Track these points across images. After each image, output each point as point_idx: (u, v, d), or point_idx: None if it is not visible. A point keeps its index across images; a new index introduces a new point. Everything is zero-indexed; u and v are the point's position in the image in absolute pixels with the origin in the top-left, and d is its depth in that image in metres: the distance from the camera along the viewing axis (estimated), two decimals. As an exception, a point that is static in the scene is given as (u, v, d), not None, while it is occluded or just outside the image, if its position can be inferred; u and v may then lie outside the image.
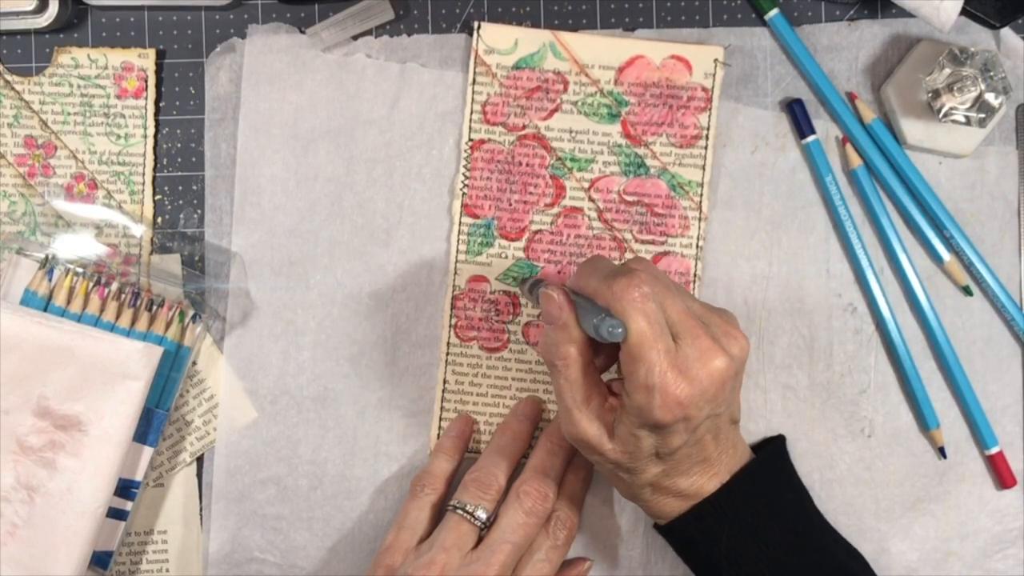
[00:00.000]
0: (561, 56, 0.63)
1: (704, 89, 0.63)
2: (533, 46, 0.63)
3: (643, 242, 0.64)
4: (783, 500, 0.58)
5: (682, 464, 0.54)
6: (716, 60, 0.63)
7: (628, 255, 0.64)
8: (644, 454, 0.54)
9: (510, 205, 0.64)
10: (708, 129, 0.63)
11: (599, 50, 0.63)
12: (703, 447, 0.54)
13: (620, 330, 0.51)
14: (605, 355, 0.58)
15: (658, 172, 0.63)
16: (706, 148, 0.63)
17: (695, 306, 0.55)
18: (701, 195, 0.63)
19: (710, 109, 0.63)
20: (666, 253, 0.63)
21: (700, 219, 0.63)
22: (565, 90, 0.63)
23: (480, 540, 0.58)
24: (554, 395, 0.56)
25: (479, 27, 0.63)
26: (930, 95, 0.60)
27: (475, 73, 0.64)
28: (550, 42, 0.63)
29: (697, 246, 0.63)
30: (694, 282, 0.63)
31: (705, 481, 0.55)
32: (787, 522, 0.57)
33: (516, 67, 0.64)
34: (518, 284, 0.64)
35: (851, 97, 0.63)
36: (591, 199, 0.64)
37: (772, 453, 0.59)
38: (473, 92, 0.64)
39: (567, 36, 0.63)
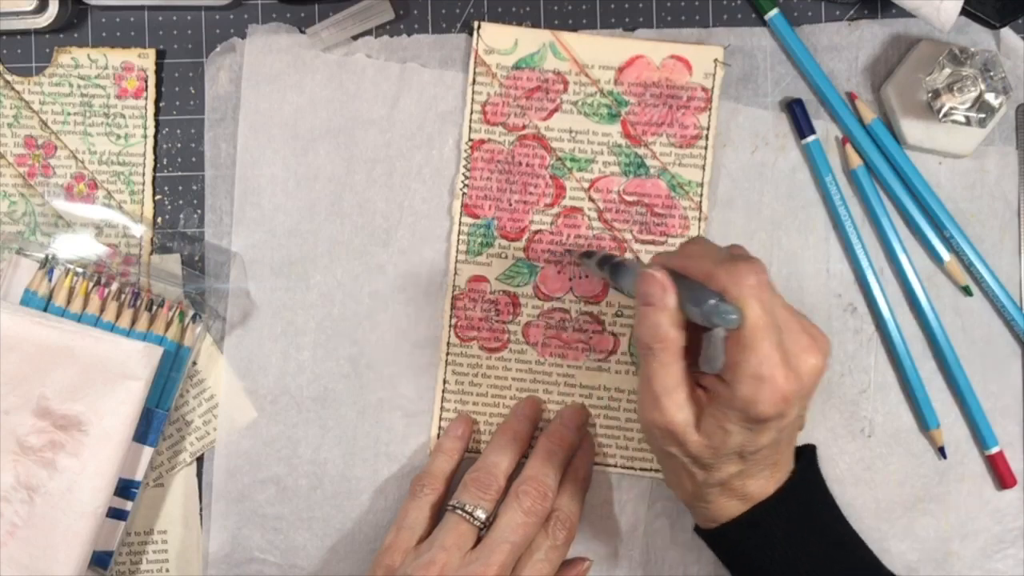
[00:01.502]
0: (561, 56, 0.63)
1: (704, 89, 0.63)
2: (533, 46, 0.63)
3: (643, 242, 0.64)
4: (828, 510, 0.58)
5: (758, 465, 0.54)
6: (716, 60, 0.63)
7: (628, 255, 0.64)
8: (728, 451, 0.52)
9: (510, 205, 0.64)
10: (708, 129, 0.63)
11: (599, 50, 0.63)
12: (779, 449, 0.54)
13: (734, 316, 0.49)
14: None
15: (658, 172, 0.63)
16: (706, 148, 0.63)
17: (786, 302, 0.53)
18: (701, 195, 0.63)
19: (710, 109, 0.63)
20: (666, 253, 0.63)
21: (700, 219, 0.63)
22: (565, 90, 0.63)
23: (479, 540, 0.58)
24: (639, 380, 0.54)
25: (479, 27, 0.63)
26: (930, 95, 0.60)
27: (475, 73, 0.64)
28: (550, 42, 0.63)
29: None
30: (694, 282, 0.63)
31: (768, 484, 0.55)
32: (832, 530, 0.57)
33: (516, 67, 0.64)
34: (579, 257, 0.62)
35: (851, 97, 0.63)
36: (591, 199, 0.64)
37: (811, 462, 0.59)
38: (473, 92, 0.64)
39: (567, 36, 0.63)
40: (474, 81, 0.64)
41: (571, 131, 0.64)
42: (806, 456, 0.59)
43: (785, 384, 0.49)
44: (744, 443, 0.52)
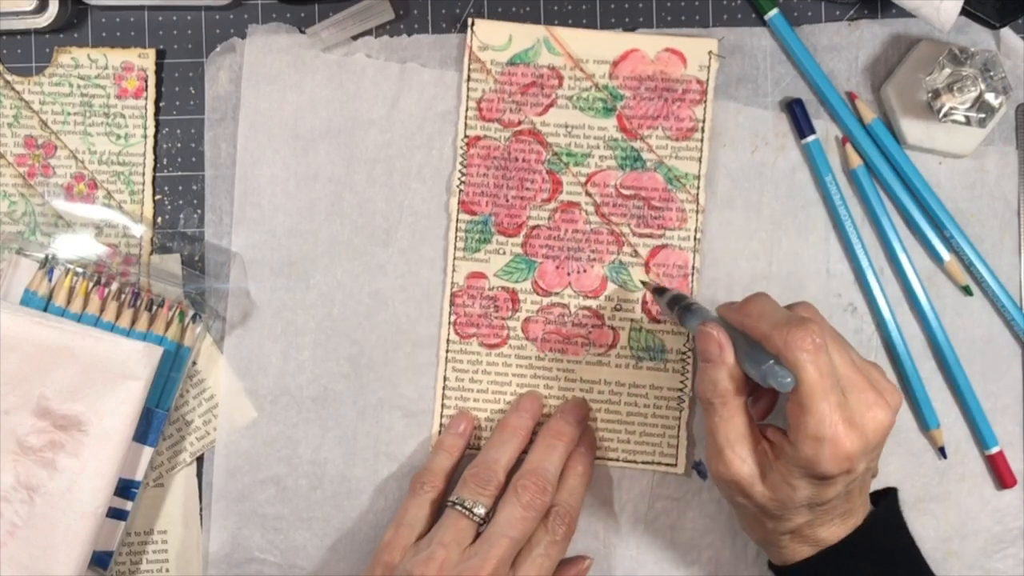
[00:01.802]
0: (555, 51, 0.63)
1: (699, 81, 0.63)
2: (527, 42, 0.63)
3: (641, 235, 0.64)
4: (906, 554, 0.58)
5: (828, 514, 0.54)
6: (710, 52, 0.63)
7: (626, 248, 0.64)
8: (795, 504, 0.53)
9: (507, 201, 0.64)
10: (704, 122, 0.63)
11: (593, 44, 0.63)
12: (851, 499, 0.54)
13: (789, 380, 0.51)
14: (765, 402, 0.58)
15: (654, 165, 0.63)
16: (702, 141, 0.63)
17: (855, 356, 0.54)
18: (698, 188, 0.63)
19: (705, 101, 0.63)
20: (664, 246, 0.63)
21: (697, 212, 0.63)
22: (560, 85, 0.63)
23: (479, 536, 0.58)
24: (705, 432, 0.56)
25: (473, 24, 0.63)
26: (930, 95, 0.60)
27: (470, 70, 0.64)
28: (544, 37, 0.63)
29: (695, 239, 0.63)
30: (692, 275, 0.63)
31: (840, 530, 0.55)
32: (913, 571, 0.58)
33: (511, 63, 0.64)
34: (652, 291, 0.63)
35: (851, 97, 0.63)
36: (588, 193, 0.64)
37: (892, 504, 0.59)
38: (468, 89, 0.64)
39: (561, 31, 0.63)
40: (469, 78, 0.64)
41: (567, 126, 0.64)
42: (887, 499, 0.59)
43: (847, 443, 0.51)
44: (811, 496, 0.53)
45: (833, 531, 0.55)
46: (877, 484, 0.63)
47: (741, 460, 0.54)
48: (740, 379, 0.54)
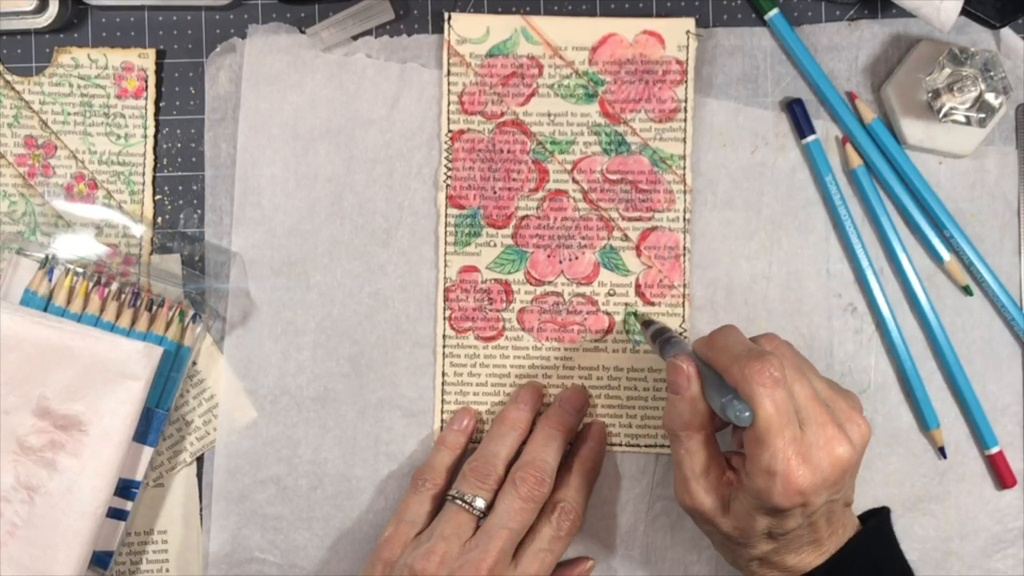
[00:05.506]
0: (534, 40, 0.63)
1: (679, 62, 0.63)
2: (505, 32, 0.63)
3: (630, 219, 0.64)
4: (896, 572, 0.58)
5: (793, 543, 0.54)
6: (688, 32, 0.63)
7: (616, 234, 0.63)
8: (757, 533, 0.53)
9: (494, 193, 0.64)
10: (686, 102, 0.63)
11: (571, 31, 0.63)
12: (816, 529, 0.54)
13: (747, 414, 0.51)
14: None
15: (639, 148, 0.63)
16: (685, 121, 0.63)
17: (821, 387, 0.54)
18: (684, 168, 0.63)
19: (686, 81, 0.63)
20: (654, 228, 0.63)
21: (685, 192, 0.63)
22: (540, 74, 0.63)
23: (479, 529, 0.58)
24: (672, 463, 0.56)
25: (449, 18, 0.63)
26: (930, 95, 0.60)
27: (449, 64, 0.64)
28: (521, 27, 0.63)
29: (684, 219, 0.63)
30: (684, 255, 0.63)
31: (813, 559, 0.55)
32: None
33: (490, 55, 0.64)
34: (639, 323, 0.63)
35: (851, 97, 0.64)
36: (575, 180, 0.64)
37: (879, 526, 0.59)
38: (449, 83, 0.64)
39: (538, 20, 0.63)
40: (449, 72, 0.64)
41: (550, 114, 0.64)
42: (875, 520, 0.59)
43: (800, 479, 0.50)
44: (771, 526, 0.53)
45: (804, 559, 0.55)
46: (873, 500, 0.63)
47: (705, 492, 0.54)
48: (706, 412, 0.54)
